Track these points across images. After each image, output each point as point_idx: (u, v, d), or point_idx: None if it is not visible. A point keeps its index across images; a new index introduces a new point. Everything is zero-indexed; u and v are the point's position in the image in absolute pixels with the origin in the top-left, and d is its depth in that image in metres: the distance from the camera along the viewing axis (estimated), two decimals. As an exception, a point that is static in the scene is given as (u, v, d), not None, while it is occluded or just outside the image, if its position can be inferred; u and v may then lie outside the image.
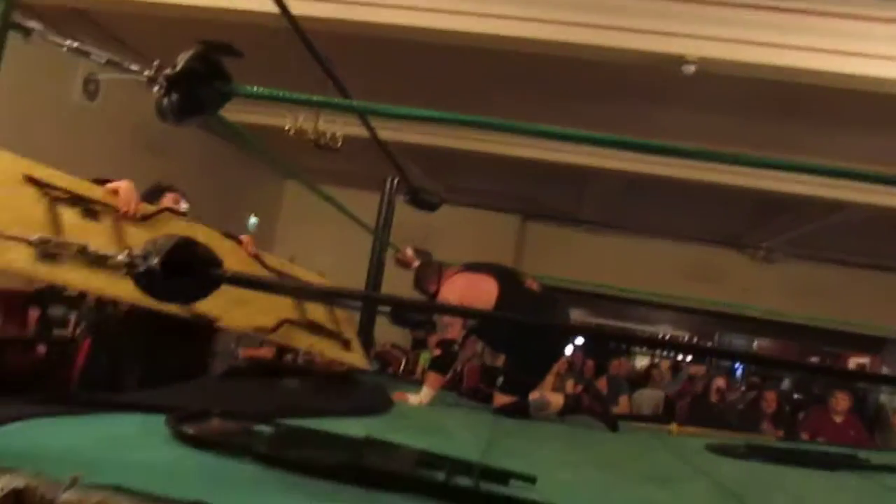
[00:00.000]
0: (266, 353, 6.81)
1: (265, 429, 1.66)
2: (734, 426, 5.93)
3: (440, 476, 1.44)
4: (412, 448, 1.61)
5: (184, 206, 2.92)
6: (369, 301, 4.07)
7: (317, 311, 2.61)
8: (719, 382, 7.88)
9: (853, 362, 12.50)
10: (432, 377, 3.44)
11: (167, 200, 2.91)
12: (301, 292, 3.04)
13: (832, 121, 6.64)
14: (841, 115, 6.47)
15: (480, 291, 3.46)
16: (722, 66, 5.42)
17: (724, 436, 4.03)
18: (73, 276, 1.55)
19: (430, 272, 3.68)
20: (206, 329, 2.72)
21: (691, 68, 5.34)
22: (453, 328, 3.46)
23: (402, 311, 4.52)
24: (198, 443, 1.46)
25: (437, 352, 3.52)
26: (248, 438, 1.51)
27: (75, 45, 1.28)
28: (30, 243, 1.66)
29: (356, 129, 5.81)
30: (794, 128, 6.94)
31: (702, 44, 5.30)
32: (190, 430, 1.49)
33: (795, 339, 12.94)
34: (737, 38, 5.24)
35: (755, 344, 14.05)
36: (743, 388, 9.14)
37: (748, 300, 10.63)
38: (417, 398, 3.32)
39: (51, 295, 6.56)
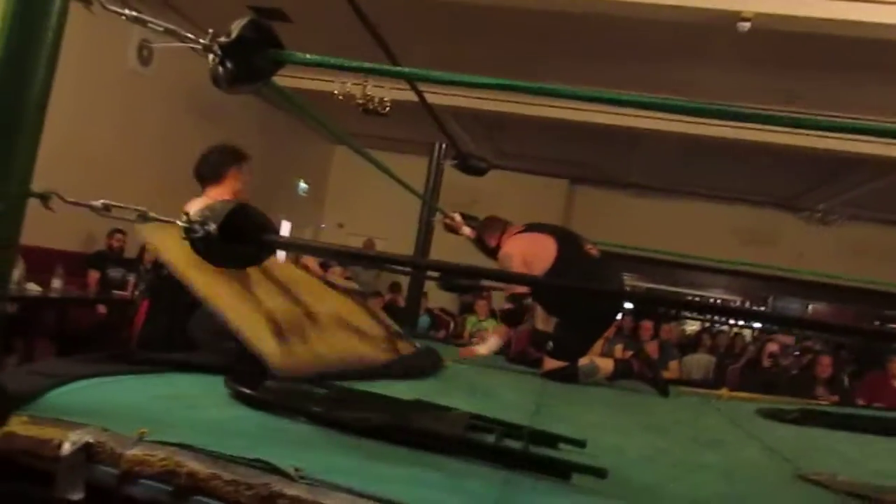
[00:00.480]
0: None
1: (320, 390, 1.70)
2: (787, 391, 5.86)
3: (490, 439, 1.46)
4: (462, 411, 1.63)
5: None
6: (418, 267, 4.10)
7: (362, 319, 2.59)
8: (772, 347, 7.76)
9: (913, 327, 12.18)
10: (502, 329, 3.62)
11: (241, 174, 2.84)
12: (351, 257, 3.08)
13: (890, 76, 6.38)
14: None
15: (539, 249, 3.50)
16: (777, 21, 5.25)
17: (776, 401, 3.99)
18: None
19: (494, 227, 3.74)
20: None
21: (746, 25, 5.18)
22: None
23: (450, 277, 4.56)
24: (254, 403, 1.52)
25: (508, 305, 3.59)
26: (303, 399, 1.55)
27: (133, 13, 1.31)
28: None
29: (404, 94, 5.82)
30: (851, 84, 6.69)
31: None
32: (247, 390, 1.54)
33: (852, 303, 12.64)
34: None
35: (810, 308, 13.78)
36: (797, 353, 9.00)
37: (803, 264, 10.39)
38: (486, 347, 3.47)
39: (109, 257, 6.77)
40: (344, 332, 1.91)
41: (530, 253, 3.50)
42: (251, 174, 2.85)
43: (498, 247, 3.64)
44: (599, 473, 1.29)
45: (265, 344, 1.81)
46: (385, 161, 3.40)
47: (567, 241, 3.64)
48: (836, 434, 2.94)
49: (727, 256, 8.48)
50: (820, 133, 7.55)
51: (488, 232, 3.72)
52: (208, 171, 2.81)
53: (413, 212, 4.96)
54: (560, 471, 1.32)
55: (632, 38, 6.43)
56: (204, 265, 1.50)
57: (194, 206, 2.54)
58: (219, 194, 2.73)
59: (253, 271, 2.00)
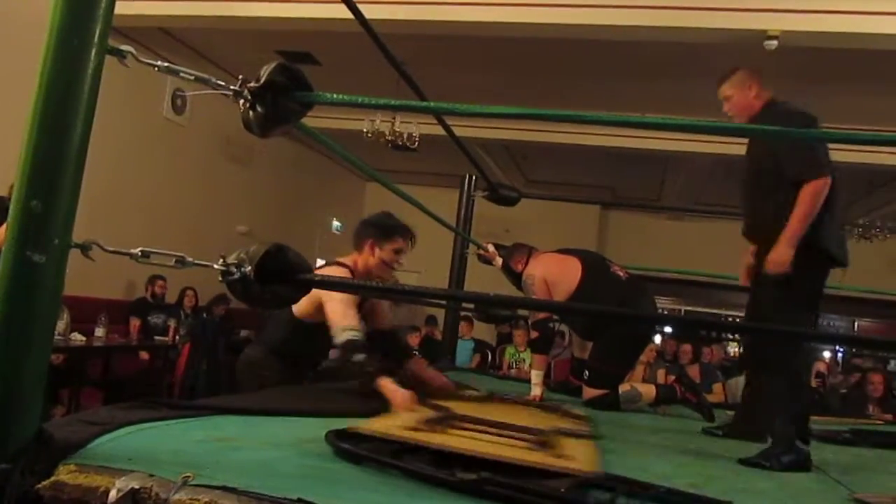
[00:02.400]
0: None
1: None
2: (837, 411, 5.70)
3: (604, 497, 1.37)
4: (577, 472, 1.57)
5: (402, 260, 2.90)
6: (453, 299, 4.11)
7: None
8: (819, 366, 7.59)
9: (965, 340, 11.79)
10: (536, 359, 3.53)
11: (395, 247, 2.85)
12: (387, 292, 3.10)
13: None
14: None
15: (565, 269, 3.48)
16: (804, 37, 5.21)
17: (826, 421, 3.88)
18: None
19: (520, 253, 3.73)
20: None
21: (774, 43, 5.16)
22: (557, 296, 3.49)
23: (486, 308, 4.55)
24: (355, 458, 1.47)
25: (535, 334, 3.56)
26: (407, 454, 1.51)
27: (166, 65, 1.34)
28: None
29: (432, 129, 5.87)
30: (882, 96, 6.59)
31: (783, 17, 5.12)
32: (347, 445, 1.51)
33: (900, 319, 12.31)
34: (818, 8, 5.04)
35: (856, 325, 13.44)
36: (841, 373, 8.78)
37: (847, 280, 10.12)
38: (538, 388, 3.37)
39: (150, 303, 6.88)
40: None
41: (552, 274, 3.48)
42: (394, 257, 2.85)
43: (523, 271, 3.63)
44: None
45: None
46: (416, 195, 3.43)
47: (593, 262, 3.62)
48: (891, 454, 2.86)
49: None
50: (854, 147, 7.45)
51: (514, 258, 3.72)
52: (355, 239, 2.89)
53: (446, 245, 4.98)
54: None
55: (659, 61, 6.43)
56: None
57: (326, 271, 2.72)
58: (355, 261, 2.83)
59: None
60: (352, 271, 2.79)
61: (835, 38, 5.22)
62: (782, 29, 5.12)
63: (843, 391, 7.36)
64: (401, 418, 1.88)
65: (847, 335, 3.99)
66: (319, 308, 2.60)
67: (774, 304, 2.61)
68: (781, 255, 2.52)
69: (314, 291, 2.45)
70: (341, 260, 2.86)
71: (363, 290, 2.59)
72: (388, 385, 2.33)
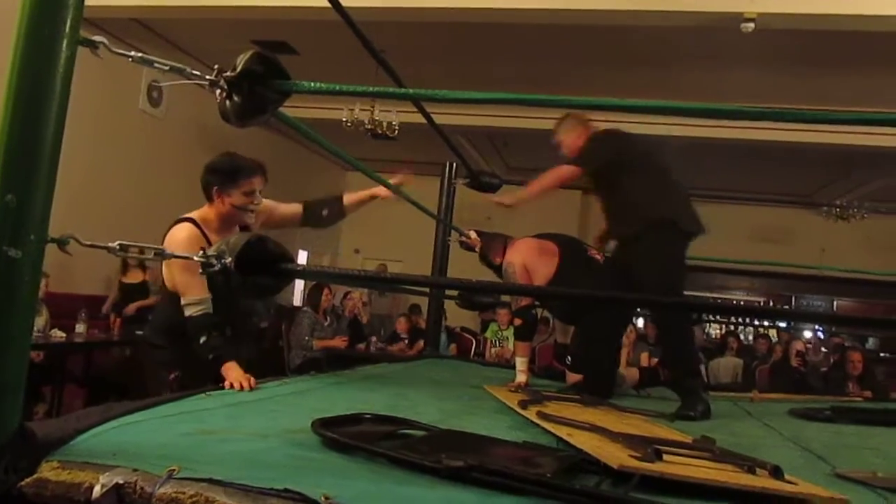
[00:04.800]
0: (339, 343, 6.95)
1: (418, 432, 1.68)
2: (818, 390, 5.78)
3: (590, 482, 1.38)
4: (570, 452, 1.59)
5: (258, 200, 2.68)
6: (436, 286, 4.10)
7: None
8: (798, 346, 7.68)
9: (941, 317, 11.99)
10: (520, 346, 3.53)
11: (246, 189, 2.62)
12: (368, 280, 3.09)
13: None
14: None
15: (542, 255, 3.48)
16: (780, 20, 5.24)
17: (808, 400, 3.93)
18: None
19: (496, 243, 3.71)
20: (280, 323, 2.78)
21: (750, 25, 5.18)
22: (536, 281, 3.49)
23: (469, 295, 4.55)
24: (342, 447, 1.46)
25: (518, 321, 3.55)
26: (394, 441, 1.51)
27: (139, 55, 1.32)
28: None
29: (412, 116, 5.85)
30: (859, 77, 6.65)
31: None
32: (334, 434, 1.50)
33: (879, 297, 12.47)
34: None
35: (835, 305, 13.61)
36: (825, 351, 8.89)
37: (825, 260, 10.28)
38: (523, 375, 3.37)
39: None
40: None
41: (531, 260, 3.48)
42: (250, 196, 2.64)
43: (502, 262, 3.63)
44: None
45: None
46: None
47: (570, 246, 3.62)
48: (871, 430, 2.90)
49: (747, 257, 8.42)
50: (832, 128, 7.52)
51: (492, 252, 3.70)
52: (204, 191, 2.68)
53: (428, 233, 4.97)
54: None
55: (637, 46, 6.45)
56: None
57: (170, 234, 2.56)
58: (205, 213, 2.66)
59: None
60: (198, 225, 2.59)
61: (811, 20, 5.26)
62: (759, 11, 5.15)
63: (824, 370, 7.45)
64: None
65: (827, 313, 4.03)
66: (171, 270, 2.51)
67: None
68: (505, 199, 3.31)
69: (167, 263, 2.47)
70: (186, 215, 2.64)
71: (343, 280, 2.59)
72: (230, 372, 2.29)
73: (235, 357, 2.37)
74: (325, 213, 3.07)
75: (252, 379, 2.27)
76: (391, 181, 3.16)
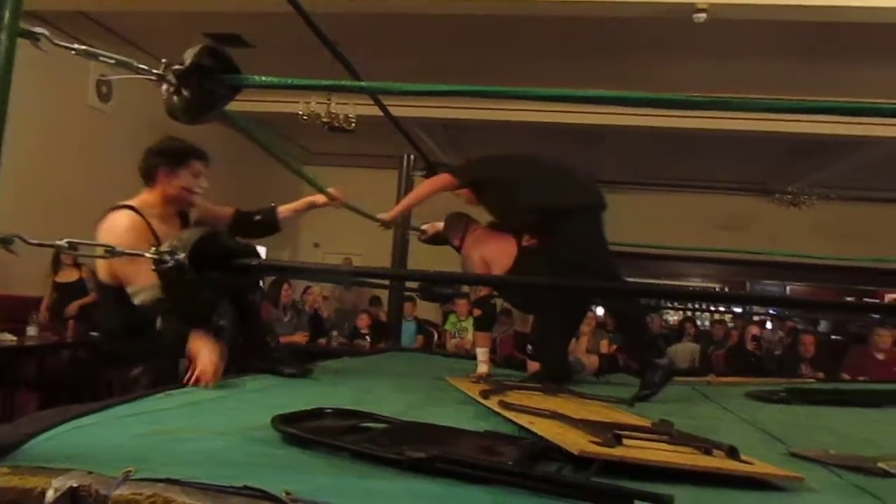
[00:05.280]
0: (299, 338, 6.90)
1: (379, 425, 1.66)
2: (773, 373, 5.91)
3: (551, 469, 1.40)
4: (533, 440, 1.59)
5: (203, 183, 2.68)
6: (397, 278, 4.09)
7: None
8: (753, 330, 7.83)
9: (889, 298, 12.34)
10: (480, 337, 3.57)
11: (192, 171, 2.64)
12: (328, 273, 3.07)
13: (845, 56, 6.49)
14: (853, 50, 6.33)
15: (500, 246, 3.49)
16: (732, 10, 5.32)
17: (763, 382, 4.02)
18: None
19: (456, 226, 3.73)
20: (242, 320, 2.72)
21: (702, 16, 5.25)
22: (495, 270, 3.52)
23: (429, 286, 4.55)
24: (303, 442, 1.45)
25: (478, 312, 3.57)
26: (356, 435, 1.50)
27: (83, 47, 1.29)
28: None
29: (369, 109, 5.83)
30: (808, 67, 6.80)
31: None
32: (295, 430, 1.49)
33: (829, 281, 12.80)
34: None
35: (788, 290, 13.93)
36: (780, 334, 9.09)
37: (778, 246, 10.50)
38: (485, 365, 3.41)
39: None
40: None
41: (489, 253, 3.50)
42: (194, 179, 2.65)
43: (461, 246, 3.65)
44: (665, 502, 1.16)
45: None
46: (356, 177, 3.41)
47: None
48: (824, 409, 2.98)
49: (703, 245, 8.58)
50: (783, 117, 7.68)
51: (451, 232, 3.73)
52: (143, 174, 2.66)
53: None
54: (622, 500, 1.18)
55: (591, 37, 6.49)
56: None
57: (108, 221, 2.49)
58: (146, 199, 2.61)
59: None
60: (138, 211, 2.53)
61: (762, 11, 5.34)
62: (710, 1, 5.22)
63: (778, 353, 7.62)
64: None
65: (780, 297, 4.12)
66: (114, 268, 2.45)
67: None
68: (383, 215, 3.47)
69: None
70: (123, 203, 2.58)
71: (304, 274, 2.56)
72: (200, 347, 2.26)
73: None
74: (256, 218, 3.01)
75: (217, 360, 2.24)
76: (329, 190, 3.14)
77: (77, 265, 6.64)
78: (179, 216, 2.69)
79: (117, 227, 2.46)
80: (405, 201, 3.60)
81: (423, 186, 3.56)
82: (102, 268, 2.50)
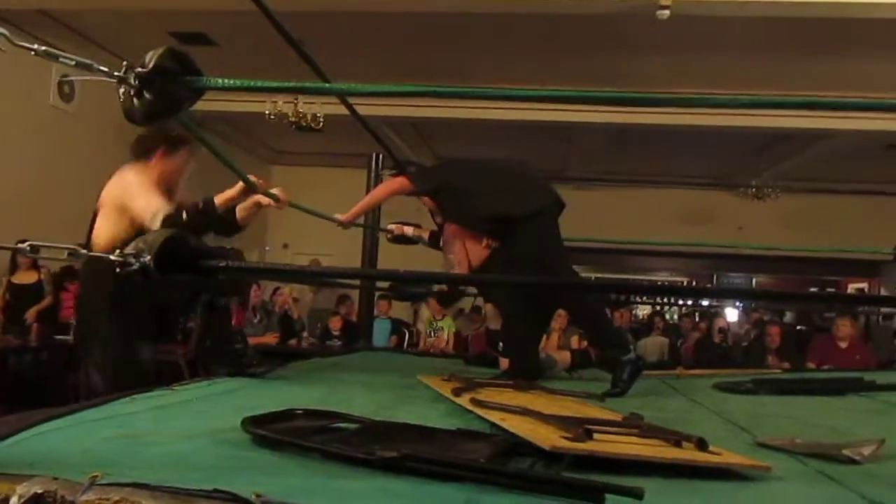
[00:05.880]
0: (270, 339, 6.85)
1: (350, 425, 1.65)
2: (740, 364, 5.99)
3: (525, 464, 1.40)
4: (505, 436, 1.60)
5: (187, 172, 2.95)
6: (367, 278, 4.08)
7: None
8: (720, 323, 7.94)
9: (852, 288, 12.60)
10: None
11: (185, 157, 2.91)
12: (299, 275, 3.05)
13: (806, 51, 6.61)
14: (814, 45, 6.44)
15: (478, 238, 3.53)
16: (694, 6, 5.38)
17: (730, 373, 4.08)
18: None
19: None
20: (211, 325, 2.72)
21: (665, 13, 5.30)
22: (461, 267, 3.59)
23: (400, 285, 4.55)
24: (274, 444, 1.44)
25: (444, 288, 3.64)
26: (324, 436, 1.50)
27: (43, 48, 1.27)
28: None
29: (337, 108, 5.82)
30: (770, 62, 6.90)
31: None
32: (265, 431, 1.47)
33: (793, 272, 13.02)
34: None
35: (754, 281, 14.13)
36: (747, 326, 9.23)
37: (744, 238, 10.67)
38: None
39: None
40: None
41: (470, 239, 3.54)
42: (184, 165, 2.90)
43: (444, 224, 3.71)
44: (636, 494, 1.16)
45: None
46: (324, 176, 3.41)
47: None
48: (790, 399, 3.03)
49: (670, 239, 8.67)
50: (745, 112, 7.78)
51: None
52: (139, 150, 2.87)
53: (357, 227, 4.94)
54: (593, 494, 1.18)
55: (556, 34, 6.52)
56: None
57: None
58: (141, 171, 2.80)
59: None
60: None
61: (724, 7, 5.41)
62: (673, -1, 5.28)
63: (745, 344, 7.73)
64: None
65: (746, 289, 4.19)
66: (123, 213, 2.63)
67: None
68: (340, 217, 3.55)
69: (110, 205, 2.66)
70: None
71: (272, 275, 2.55)
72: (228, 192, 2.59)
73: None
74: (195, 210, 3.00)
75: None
76: (273, 191, 3.20)
77: (36, 267, 6.52)
78: (167, 196, 2.82)
79: (127, 174, 2.75)
80: (362, 203, 3.69)
81: (380, 189, 3.69)
82: (103, 225, 2.67)
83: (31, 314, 6.37)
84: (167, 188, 2.82)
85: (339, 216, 3.57)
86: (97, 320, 2.64)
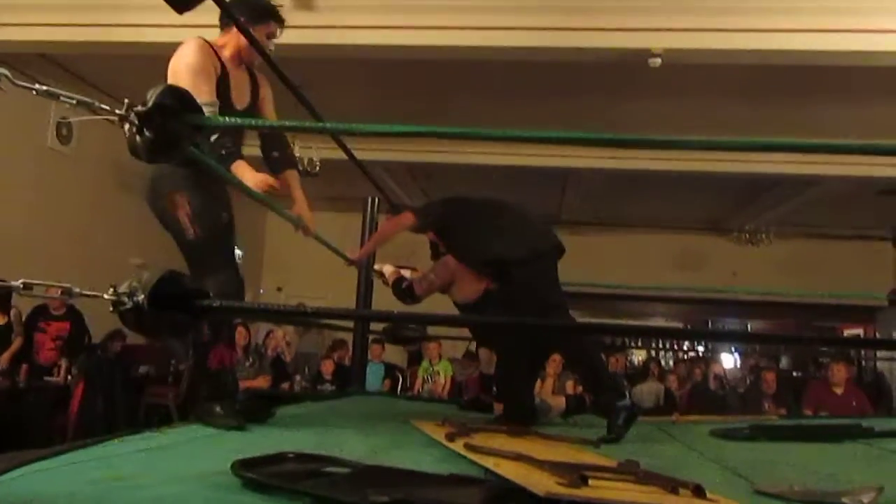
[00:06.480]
0: (262, 382, 6.79)
1: (341, 469, 1.62)
2: (736, 410, 5.96)
3: None
4: (499, 481, 1.58)
5: (271, 46, 2.76)
6: (358, 319, 4.06)
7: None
8: (717, 369, 7.92)
9: (847, 334, 12.59)
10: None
11: (269, 30, 2.74)
12: (290, 315, 3.04)
13: (797, 97, 6.71)
14: (804, 91, 6.55)
15: (475, 275, 3.53)
16: (686, 55, 5.47)
17: (726, 420, 4.04)
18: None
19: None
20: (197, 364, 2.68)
21: (657, 60, 5.38)
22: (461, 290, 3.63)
23: (395, 328, 4.53)
24: (264, 488, 1.41)
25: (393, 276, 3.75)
26: (315, 480, 1.47)
27: (44, 88, 1.28)
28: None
29: (333, 152, 5.86)
30: (762, 108, 6.99)
31: (665, 35, 5.36)
32: (256, 475, 1.45)
33: (788, 317, 13.01)
34: (697, 26, 5.31)
35: (749, 327, 14.12)
36: (742, 371, 9.19)
37: (738, 283, 10.68)
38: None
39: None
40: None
41: (464, 271, 3.54)
42: (268, 37, 2.73)
43: (440, 249, 3.71)
44: None
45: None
46: (319, 220, 3.38)
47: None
48: (788, 445, 3.00)
49: (663, 284, 8.67)
50: (738, 156, 7.86)
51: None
52: (222, 19, 2.71)
53: (353, 269, 4.92)
54: None
55: (552, 80, 6.61)
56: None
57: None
58: (219, 41, 2.69)
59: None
60: (212, 47, 2.63)
61: (715, 55, 5.50)
62: (664, 47, 5.36)
63: (741, 391, 7.70)
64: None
65: (741, 333, 4.18)
66: None
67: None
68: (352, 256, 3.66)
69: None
70: (200, 36, 2.66)
71: (264, 316, 2.53)
72: (244, 171, 2.29)
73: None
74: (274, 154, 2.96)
75: (264, 177, 2.34)
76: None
77: (5, 309, 6.36)
78: (249, 74, 2.75)
79: (186, 48, 2.57)
80: (371, 241, 3.78)
81: (387, 225, 3.68)
82: None
83: (3, 360, 6.21)
84: (247, 62, 2.73)
85: (381, 268, 3.66)
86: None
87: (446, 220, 3.48)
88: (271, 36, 2.74)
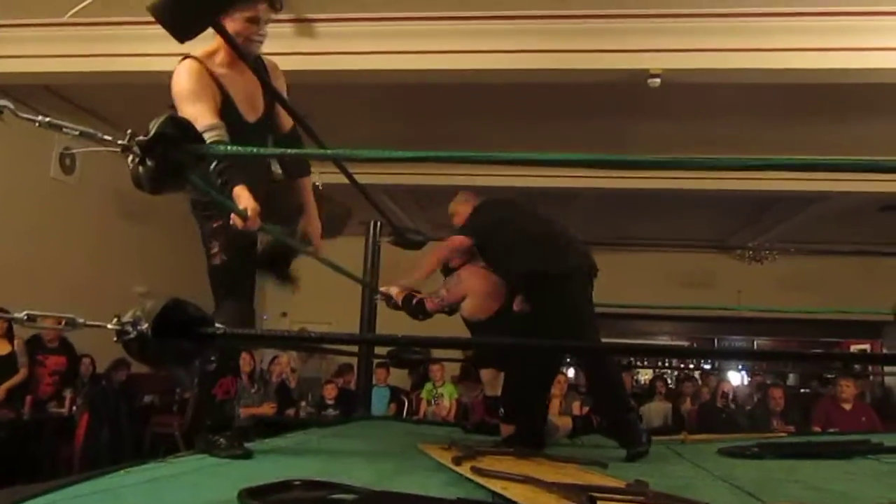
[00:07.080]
0: (266, 409, 6.76)
1: (347, 496, 1.61)
2: (745, 428, 5.92)
3: None
4: None
5: (262, 31, 2.45)
6: (362, 343, 4.06)
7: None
8: (724, 387, 7.86)
9: (854, 349, 12.51)
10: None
11: (250, 14, 2.39)
12: (294, 340, 3.03)
13: (799, 115, 6.73)
14: (806, 109, 6.57)
15: (488, 293, 3.53)
16: (685, 74, 5.50)
17: (734, 438, 4.02)
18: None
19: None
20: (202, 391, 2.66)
21: (657, 81, 5.41)
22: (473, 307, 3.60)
23: (399, 352, 4.52)
24: None
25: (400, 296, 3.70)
26: None
27: (47, 119, 1.29)
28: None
29: (334, 177, 5.89)
30: (765, 126, 7.02)
31: (664, 56, 5.39)
32: (263, 502, 1.45)
33: (795, 334, 12.94)
34: (696, 47, 5.35)
35: (755, 344, 14.04)
36: (749, 389, 9.13)
37: (743, 301, 10.64)
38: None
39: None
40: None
41: (477, 289, 3.55)
42: (251, 21, 2.39)
43: (456, 267, 3.68)
44: None
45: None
46: (322, 244, 3.38)
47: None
48: (797, 463, 2.98)
49: (669, 302, 8.65)
50: (741, 175, 7.87)
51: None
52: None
53: (357, 294, 4.92)
54: None
55: (553, 102, 6.64)
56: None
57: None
58: (208, 48, 2.52)
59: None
60: (199, 60, 2.46)
61: (714, 74, 5.53)
62: (663, 67, 5.39)
63: (749, 408, 7.64)
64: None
65: (747, 350, 4.17)
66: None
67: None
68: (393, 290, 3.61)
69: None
70: (191, 53, 2.48)
71: (268, 342, 2.53)
72: (241, 196, 2.14)
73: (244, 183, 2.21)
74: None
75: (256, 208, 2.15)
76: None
77: (10, 337, 6.27)
78: (254, 71, 2.52)
79: (179, 76, 2.45)
80: (421, 269, 3.51)
81: (440, 250, 3.55)
82: None
83: (1, 391, 6.09)
84: (243, 59, 2.43)
85: (387, 289, 3.68)
86: None
87: (489, 233, 3.42)
88: (254, 20, 2.39)
